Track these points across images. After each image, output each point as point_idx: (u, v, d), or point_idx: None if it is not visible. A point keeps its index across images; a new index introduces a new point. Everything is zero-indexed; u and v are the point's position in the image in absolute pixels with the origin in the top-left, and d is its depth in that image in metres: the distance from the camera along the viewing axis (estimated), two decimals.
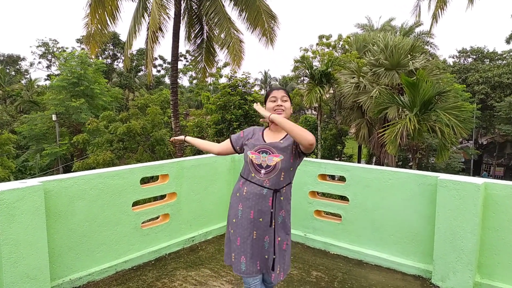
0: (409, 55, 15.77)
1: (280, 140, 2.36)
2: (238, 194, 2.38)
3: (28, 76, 41.78)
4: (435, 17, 11.27)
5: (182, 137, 2.79)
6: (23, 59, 44.82)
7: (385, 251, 3.90)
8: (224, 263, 2.59)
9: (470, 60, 36.54)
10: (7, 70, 41.17)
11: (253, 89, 20.29)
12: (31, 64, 43.71)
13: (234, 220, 2.37)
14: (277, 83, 54.16)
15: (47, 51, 38.17)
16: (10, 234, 2.80)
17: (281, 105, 2.38)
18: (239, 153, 2.55)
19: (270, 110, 2.38)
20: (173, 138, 2.87)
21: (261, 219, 2.31)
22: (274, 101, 2.40)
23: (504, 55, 35.00)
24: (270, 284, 2.48)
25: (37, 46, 37.94)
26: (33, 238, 2.92)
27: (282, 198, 2.34)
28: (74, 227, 3.32)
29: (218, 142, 17.20)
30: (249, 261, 2.31)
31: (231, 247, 2.39)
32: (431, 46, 31.17)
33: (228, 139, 2.59)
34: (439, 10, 11.14)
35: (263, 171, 2.30)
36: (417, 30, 30.70)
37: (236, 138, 2.54)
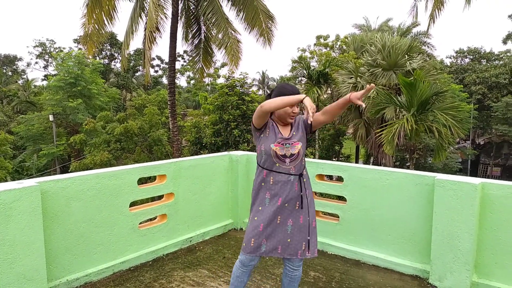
0: (406, 56, 15.82)
1: (292, 130, 2.57)
2: (263, 184, 2.52)
3: (25, 76, 41.68)
4: (432, 18, 11.30)
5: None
6: (20, 59, 44.63)
7: (382, 251, 3.91)
8: (245, 253, 2.51)
9: (467, 60, 36.65)
10: (4, 70, 41.00)
11: (250, 90, 20.29)
12: (28, 64, 43.44)
13: (260, 208, 2.51)
14: (275, 83, 54.16)
15: (44, 51, 38.05)
16: (7, 234, 2.78)
17: (296, 112, 2.54)
18: (258, 128, 2.55)
19: (283, 112, 2.51)
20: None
21: (286, 204, 2.47)
22: (291, 106, 2.49)
23: (501, 56, 35.13)
24: (297, 267, 2.58)
25: (34, 46, 37.87)
26: (29, 239, 2.91)
27: (305, 180, 2.56)
28: (71, 228, 3.31)
29: (216, 142, 17.23)
30: (269, 244, 2.46)
31: (252, 233, 2.48)
32: (428, 47, 31.27)
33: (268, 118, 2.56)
34: (436, 10, 11.18)
35: (287, 160, 2.49)
36: (415, 30, 30.83)
37: (266, 122, 2.55)
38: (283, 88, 2.55)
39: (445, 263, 3.39)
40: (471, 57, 36.28)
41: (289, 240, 2.48)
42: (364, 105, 2.44)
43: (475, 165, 33.96)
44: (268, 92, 2.68)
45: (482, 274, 3.35)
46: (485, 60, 35.76)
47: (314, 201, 2.71)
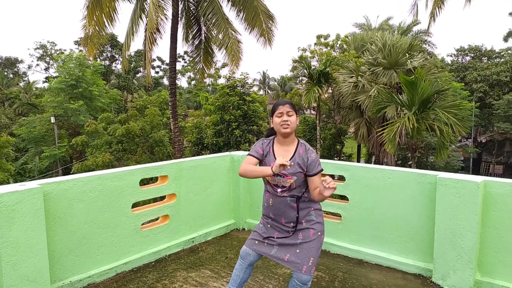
0: (407, 54, 15.78)
1: (291, 160, 2.49)
2: (266, 205, 2.65)
3: (26, 79, 41.74)
4: (432, 16, 11.28)
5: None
6: (21, 61, 44.73)
7: (385, 250, 3.90)
8: (245, 247, 2.69)
9: (468, 58, 36.55)
10: (5, 73, 41.08)
11: (251, 90, 20.29)
12: (29, 67, 43.49)
13: (269, 226, 2.64)
14: (276, 83, 54.15)
15: (45, 54, 38.08)
16: (10, 237, 2.79)
17: (287, 120, 2.49)
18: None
19: (276, 125, 2.52)
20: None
21: (292, 224, 2.54)
22: (280, 116, 2.51)
23: (502, 53, 35.02)
24: (302, 278, 2.47)
25: (35, 49, 37.88)
26: (32, 241, 2.92)
27: (306, 200, 2.57)
28: (73, 229, 3.32)
29: (217, 142, 17.21)
30: (279, 250, 2.55)
31: (266, 237, 2.60)
32: (429, 45, 31.18)
33: (250, 158, 2.58)
34: (437, 8, 11.16)
35: (279, 189, 2.54)
36: (415, 29, 30.73)
37: (257, 155, 2.60)
38: (275, 103, 2.60)
39: (448, 262, 3.39)
40: (472, 55, 36.18)
41: (298, 251, 2.50)
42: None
43: (477, 163, 33.87)
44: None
45: (485, 272, 3.34)
46: (486, 58, 35.65)
47: (323, 218, 2.65)
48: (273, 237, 2.59)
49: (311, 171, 2.49)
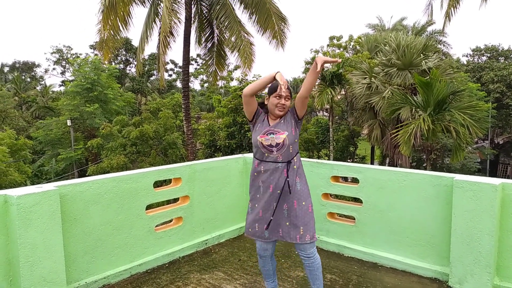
0: (421, 55, 15.57)
1: (280, 120, 2.70)
2: (256, 174, 2.72)
3: (43, 83, 42.60)
4: (448, 16, 11.12)
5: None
6: (38, 65, 45.61)
7: (400, 254, 3.85)
8: (245, 235, 2.85)
9: (484, 58, 35.85)
10: (23, 77, 42.03)
11: (264, 92, 20.27)
12: (46, 71, 44.31)
13: (258, 196, 2.71)
14: (288, 84, 53.93)
15: (61, 58, 38.78)
16: (27, 238, 2.84)
17: (284, 104, 2.66)
18: (250, 120, 2.82)
19: (272, 106, 2.68)
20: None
21: (279, 191, 2.63)
22: (279, 98, 2.66)
23: None
24: (303, 249, 2.67)
25: (52, 53, 38.58)
26: (49, 242, 2.96)
27: (295, 167, 2.68)
28: (89, 231, 3.36)
29: (230, 144, 17.25)
30: (271, 228, 2.67)
31: (254, 219, 2.72)
32: (444, 45, 30.71)
33: (256, 105, 2.77)
34: (452, 8, 11.00)
35: (274, 149, 2.64)
36: (430, 29, 30.29)
37: (257, 112, 2.78)
38: (274, 83, 2.68)
39: (465, 266, 3.32)
40: (489, 55, 35.49)
41: (287, 223, 2.66)
42: (339, 60, 2.60)
43: (494, 165, 33.16)
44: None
45: (504, 276, 3.26)
46: (503, 57, 34.93)
47: (308, 189, 2.77)
48: (259, 216, 2.69)
49: (296, 111, 2.71)
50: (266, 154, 2.66)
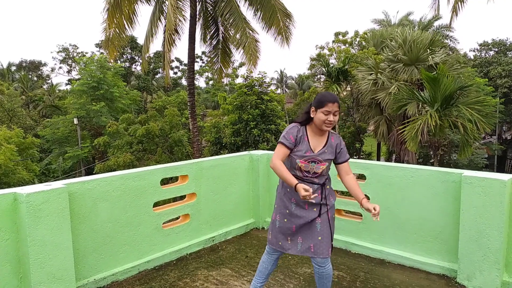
0: (428, 50, 15.43)
1: (324, 148, 2.62)
2: (289, 190, 2.63)
3: (49, 81, 42.81)
4: (455, 10, 10.98)
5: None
6: (45, 64, 45.87)
7: (408, 250, 3.83)
8: (271, 246, 2.78)
9: (491, 53, 35.44)
10: (30, 76, 42.31)
11: (269, 89, 20.26)
12: (52, 70, 44.48)
13: (287, 211, 2.65)
14: (293, 81, 53.86)
15: (67, 56, 38.96)
16: (37, 235, 2.87)
17: (332, 120, 2.52)
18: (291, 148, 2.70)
19: (319, 121, 2.53)
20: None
21: (315, 209, 2.61)
22: (327, 114, 2.50)
23: None
24: (322, 264, 2.62)
25: (58, 52, 38.75)
26: (58, 239, 2.99)
27: (328, 187, 2.70)
28: (97, 228, 3.39)
29: (235, 142, 17.28)
30: (303, 243, 2.63)
31: (285, 233, 2.68)
32: (451, 40, 30.45)
33: (282, 148, 2.60)
34: (459, 3, 10.85)
35: (310, 175, 2.61)
36: (436, 24, 30.03)
37: (290, 144, 2.60)
38: (323, 97, 2.55)
39: (474, 262, 3.30)
40: (496, 49, 35.07)
41: (320, 238, 2.60)
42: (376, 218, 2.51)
43: (502, 161, 32.85)
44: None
45: None
46: (511, 52, 34.53)
47: (336, 199, 2.84)
48: (293, 231, 2.65)
49: (339, 159, 2.69)
50: (301, 175, 2.62)
